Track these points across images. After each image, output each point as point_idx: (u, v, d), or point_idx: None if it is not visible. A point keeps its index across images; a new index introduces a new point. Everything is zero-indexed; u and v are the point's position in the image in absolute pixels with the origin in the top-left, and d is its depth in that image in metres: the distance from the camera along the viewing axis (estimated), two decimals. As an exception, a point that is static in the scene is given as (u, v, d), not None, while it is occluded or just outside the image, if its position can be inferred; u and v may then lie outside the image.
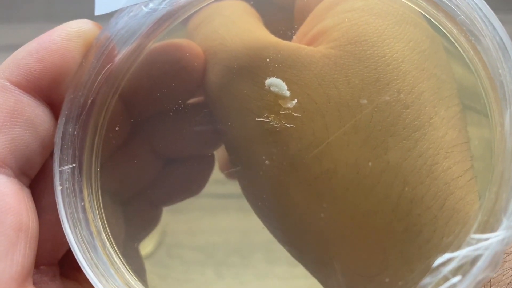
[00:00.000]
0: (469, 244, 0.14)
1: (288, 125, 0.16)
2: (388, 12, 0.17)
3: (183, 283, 0.24)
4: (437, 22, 0.17)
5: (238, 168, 0.19)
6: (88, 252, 0.17)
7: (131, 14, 0.18)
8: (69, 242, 0.17)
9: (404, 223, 0.16)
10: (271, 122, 0.17)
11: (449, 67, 0.17)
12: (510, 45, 0.15)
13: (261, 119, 0.17)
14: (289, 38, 0.18)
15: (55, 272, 0.19)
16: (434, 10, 0.17)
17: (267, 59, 0.17)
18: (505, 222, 0.14)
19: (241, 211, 0.26)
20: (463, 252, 0.14)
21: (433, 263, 0.15)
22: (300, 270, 0.26)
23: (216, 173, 0.23)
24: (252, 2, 0.19)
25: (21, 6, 0.61)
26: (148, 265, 0.23)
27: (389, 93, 0.16)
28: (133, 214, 0.21)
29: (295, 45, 0.17)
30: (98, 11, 0.19)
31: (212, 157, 0.21)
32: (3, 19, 0.60)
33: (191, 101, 0.19)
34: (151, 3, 0.18)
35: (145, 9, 0.18)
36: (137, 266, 0.19)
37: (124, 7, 0.18)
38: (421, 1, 0.17)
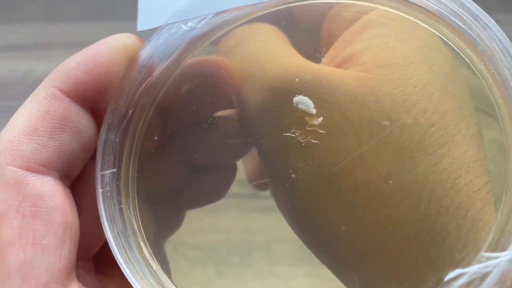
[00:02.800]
0: (480, 262, 0.15)
1: (313, 141, 0.18)
2: (412, 38, 0.18)
3: (188, 278, 0.24)
4: (458, 49, 0.18)
5: (265, 180, 0.20)
6: (125, 250, 0.19)
7: (172, 31, 0.19)
8: (108, 241, 0.18)
9: (431, 231, 0.17)
10: (297, 137, 0.18)
11: (467, 89, 0.18)
12: None
13: (288, 134, 0.18)
14: (318, 61, 0.20)
15: (91, 267, 0.20)
16: (456, 38, 0.18)
17: (303, 81, 0.18)
18: None
19: (242, 211, 0.26)
20: (474, 269, 0.15)
21: (459, 267, 0.16)
22: (300, 269, 0.26)
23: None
24: (282, 25, 0.20)
25: (21, 6, 0.61)
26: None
27: (416, 112, 0.17)
28: (161, 216, 0.22)
29: (328, 68, 0.19)
30: (140, 27, 0.20)
31: (234, 166, 0.22)
32: (3, 19, 0.60)
33: (220, 113, 0.21)
34: (190, 22, 0.19)
35: (184, 27, 0.19)
36: (165, 266, 0.21)
37: (164, 25, 0.19)
38: (444, 29, 0.18)
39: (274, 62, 0.19)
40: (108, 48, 0.19)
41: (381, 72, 0.18)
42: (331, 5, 0.20)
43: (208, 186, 0.22)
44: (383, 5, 0.19)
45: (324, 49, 0.20)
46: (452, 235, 0.17)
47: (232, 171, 0.22)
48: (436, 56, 0.18)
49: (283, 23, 0.20)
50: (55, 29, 0.58)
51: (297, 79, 0.18)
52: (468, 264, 0.16)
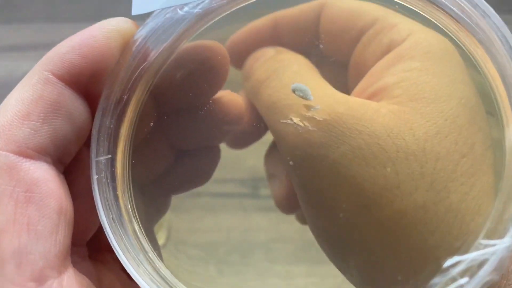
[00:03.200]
0: (477, 249, 0.16)
1: (311, 128, 0.18)
2: (442, 72, 0.19)
3: (192, 275, 0.24)
4: (457, 39, 0.19)
5: (297, 209, 0.21)
6: (121, 237, 0.18)
7: (167, 15, 0.19)
8: (104, 228, 0.18)
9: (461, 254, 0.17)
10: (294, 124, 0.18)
11: (487, 120, 0.19)
12: None
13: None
14: (345, 91, 0.20)
15: (85, 253, 0.20)
16: (454, 27, 0.19)
17: (340, 113, 0.18)
18: (511, 230, 0.16)
19: (242, 210, 0.26)
20: (471, 256, 0.16)
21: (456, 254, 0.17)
22: (300, 268, 0.26)
23: (217, 173, 0.23)
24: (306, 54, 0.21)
25: (21, 6, 0.61)
26: (164, 254, 0.24)
27: (448, 144, 0.18)
28: (150, 202, 0.22)
29: (361, 100, 0.19)
30: (135, 11, 0.19)
31: (217, 148, 0.22)
32: (3, 19, 0.60)
33: (213, 98, 0.21)
34: (186, 6, 0.19)
35: (180, 12, 0.19)
36: (158, 252, 0.21)
37: (160, 9, 0.19)
38: (444, 18, 0.19)
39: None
40: (103, 32, 0.19)
41: (414, 105, 0.18)
42: (361, 31, 0.20)
43: (192, 170, 0.23)
44: (420, 20, 0.19)
45: (356, 79, 0.20)
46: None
47: (216, 154, 0.22)
48: (465, 89, 0.19)
49: (313, 33, 0.20)
50: (56, 29, 0.58)
51: (340, 113, 0.18)
52: (465, 251, 0.16)
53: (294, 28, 0.21)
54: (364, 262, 0.19)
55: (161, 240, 0.31)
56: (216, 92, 0.21)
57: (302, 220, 0.22)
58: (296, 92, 0.18)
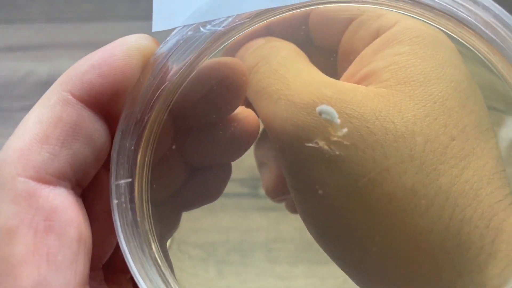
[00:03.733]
0: None
1: (338, 153, 0.18)
2: (431, 56, 0.19)
3: (192, 277, 0.24)
4: (486, 59, 0.19)
5: (287, 196, 0.21)
6: (142, 265, 0.18)
7: (189, 33, 0.19)
8: (124, 256, 0.18)
9: (455, 240, 0.17)
10: (321, 148, 0.18)
11: (484, 105, 0.19)
12: None
13: (311, 144, 0.18)
14: (335, 77, 0.20)
15: (101, 277, 0.20)
16: (484, 47, 0.19)
17: (327, 96, 0.18)
18: None
19: (242, 210, 0.26)
20: None
21: (485, 277, 0.17)
22: (300, 269, 0.26)
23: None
24: (303, 28, 0.21)
25: (22, 6, 0.61)
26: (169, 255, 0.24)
27: (437, 127, 0.18)
28: (162, 218, 0.21)
29: (350, 84, 0.19)
30: (155, 28, 0.19)
31: (229, 166, 0.22)
32: (4, 19, 0.60)
33: (230, 115, 0.21)
34: (208, 24, 0.19)
35: (203, 30, 0.19)
36: (172, 273, 0.20)
37: (181, 26, 0.19)
38: (472, 38, 0.19)
39: (297, 79, 0.19)
40: (123, 51, 0.18)
41: (402, 88, 0.18)
42: (350, 17, 0.20)
43: (204, 187, 0.22)
44: (408, 11, 0.19)
45: (345, 65, 0.20)
46: (476, 244, 0.17)
47: (227, 171, 0.22)
48: (455, 72, 0.19)
49: (303, 27, 0.20)
50: (56, 29, 0.58)
51: (328, 96, 0.18)
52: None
53: (285, 25, 0.21)
54: (353, 247, 0.19)
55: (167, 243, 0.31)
56: (234, 109, 0.21)
57: (292, 208, 0.22)
58: (322, 115, 0.18)
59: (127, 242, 0.18)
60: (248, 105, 0.21)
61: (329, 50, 0.21)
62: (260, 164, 0.22)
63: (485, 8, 0.18)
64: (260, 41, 0.21)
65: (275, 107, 0.19)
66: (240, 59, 0.21)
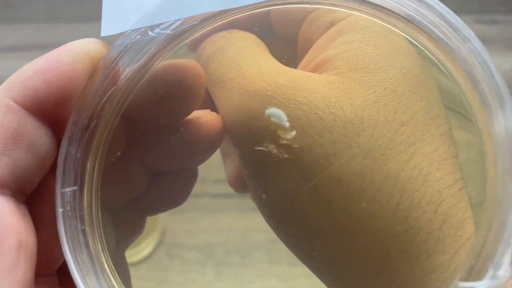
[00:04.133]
0: None
1: (286, 156, 0.18)
2: (383, 44, 0.19)
3: (181, 286, 0.24)
4: (437, 61, 0.19)
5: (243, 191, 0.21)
6: (87, 275, 0.18)
7: (138, 37, 0.19)
8: (68, 265, 0.17)
9: (403, 225, 0.17)
10: (269, 151, 0.18)
11: (437, 92, 0.19)
12: (507, 94, 0.16)
13: (260, 148, 0.18)
14: (295, 66, 0.20)
15: (54, 282, 0.19)
16: (435, 49, 0.19)
17: (279, 84, 0.19)
18: (490, 272, 0.15)
19: (241, 211, 0.26)
20: None
21: (433, 263, 0.17)
22: (299, 269, 0.26)
23: (216, 173, 0.23)
24: (259, 34, 0.21)
25: (21, 6, 0.61)
26: (143, 271, 0.23)
27: (387, 113, 0.18)
28: (121, 224, 0.21)
29: (303, 72, 0.19)
30: (104, 33, 0.19)
31: (195, 171, 0.22)
32: (3, 19, 0.60)
33: (187, 118, 0.21)
34: (157, 27, 0.19)
35: (151, 33, 0.19)
36: (126, 278, 0.20)
37: (130, 30, 0.18)
38: (422, 38, 0.19)
39: (252, 67, 0.19)
40: (70, 56, 0.18)
41: (353, 75, 0.18)
42: (307, 11, 0.20)
43: (169, 191, 0.22)
44: (359, 11, 0.20)
45: (303, 55, 0.20)
46: (424, 229, 0.17)
47: (193, 175, 0.22)
48: (406, 60, 0.19)
49: (256, 29, 0.21)
50: (56, 29, 0.58)
51: (281, 84, 0.19)
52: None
53: (248, 21, 0.21)
54: (305, 231, 0.19)
55: (146, 251, 0.30)
56: (191, 112, 0.20)
57: (240, 191, 0.22)
58: (271, 118, 0.18)
59: (72, 251, 0.17)
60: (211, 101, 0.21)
61: (290, 40, 0.21)
62: (224, 155, 0.22)
63: (430, 7, 0.18)
64: (221, 33, 0.21)
65: (229, 95, 0.19)
66: (202, 50, 0.21)
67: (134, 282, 0.21)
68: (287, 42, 0.21)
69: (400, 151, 0.18)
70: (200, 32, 0.20)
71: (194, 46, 0.21)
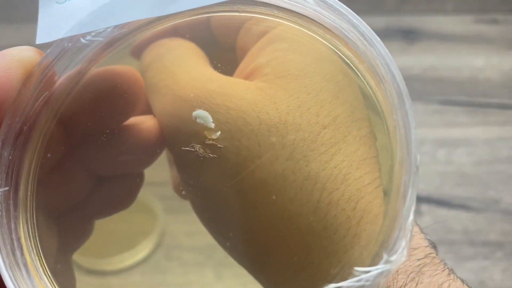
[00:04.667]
0: (353, 276, 0.16)
1: (211, 155, 0.19)
2: (308, 51, 0.20)
3: (184, 282, 0.24)
4: (351, 63, 0.20)
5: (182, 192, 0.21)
6: (18, 274, 0.18)
7: (70, 44, 0.19)
8: None
9: (323, 222, 0.18)
10: (195, 151, 0.19)
11: (360, 96, 0.20)
12: (406, 93, 0.18)
13: (187, 148, 0.19)
14: (231, 74, 0.21)
15: None
16: (349, 52, 0.20)
17: (210, 90, 0.20)
18: (385, 257, 0.16)
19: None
20: (347, 283, 0.16)
21: (350, 257, 0.18)
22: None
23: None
24: (199, 42, 0.22)
25: (21, 6, 0.61)
26: (137, 276, 0.23)
27: (309, 116, 0.19)
28: (66, 229, 0.22)
29: (234, 79, 0.21)
30: (39, 40, 0.19)
31: (141, 174, 0.22)
32: (3, 19, 0.60)
33: (126, 123, 0.21)
34: (88, 35, 0.20)
35: (83, 41, 0.20)
36: (67, 283, 0.20)
37: (64, 38, 0.19)
38: (338, 43, 0.20)
39: (185, 74, 0.20)
40: (2, 63, 0.18)
41: (279, 82, 0.19)
42: (243, 20, 0.21)
43: (115, 195, 0.23)
44: (288, 20, 0.21)
45: (240, 62, 0.21)
46: (342, 226, 0.18)
47: (139, 179, 0.22)
48: (330, 67, 0.20)
49: (187, 36, 0.21)
50: (55, 29, 0.58)
51: (211, 90, 0.19)
52: (341, 279, 0.17)
53: (191, 28, 0.21)
54: (234, 232, 0.20)
55: (144, 252, 0.31)
56: (129, 117, 0.21)
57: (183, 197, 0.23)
58: (197, 120, 0.19)
59: (3, 253, 0.18)
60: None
61: (230, 48, 0.22)
62: (169, 162, 0.22)
63: (341, 14, 0.19)
64: (162, 41, 0.21)
65: (163, 101, 0.20)
66: (143, 58, 0.21)
67: (133, 283, 0.21)
68: (227, 49, 0.22)
69: (321, 152, 0.18)
70: (142, 38, 0.21)
71: (136, 52, 0.21)
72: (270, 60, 0.20)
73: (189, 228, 0.25)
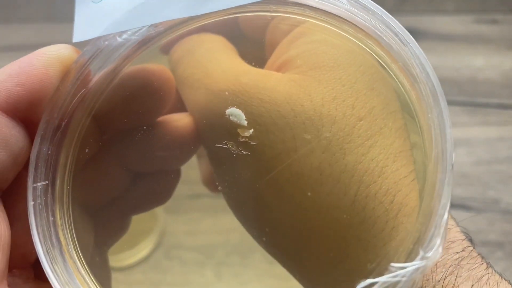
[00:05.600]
0: (390, 272, 0.16)
1: (244, 152, 0.19)
2: (340, 44, 0.20)
3: (180, 287, 0.24)
4: (384, 63, 0.20)
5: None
6: (56, 263, 0.18)
7: (106, 42, 0.20)
8: (38, 255, 0.18)
9: (361, 216, 0.18)
10: (229, 148, 0.19)
11: (392, 89, 0.20)
12: (441, 91, 0.18)
13: (220, 145, 0.19)
14: (261, 67, 0.21)
15: (29, 275, 0.20)
16: (381, 52, 0.20)
17: (243, 83, 0.19)
18: (421, 253, 0.16)
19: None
20: (383, 278, 0.16)
21: (387, 251, 0.18)
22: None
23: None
24: (228, 37, 0.22)
25: (21, 6, 0.61)
26: (139, 274, 0.23)
27: (345, 108, 0.19)
28: (102, 223, 0.22)
29: (266, 72, 0.20)
30: (76, 38, 0.20)
31: (177, 171, 0.23)
32: (3, 19, 0.60)
33: (160, 119, 0.21)
34: (124, 34, 0.20)
35: (119, 39, 0.20)
36: (103, 276, 0.21)
37: (100, 36, 0.20)
38: (370, 43, 0.20)
39: (217, 68, 0.20)
40: (42, 60, 0.19)
41: (313, 73, 0.19)
42: (270, 17, 0.21)
43: (151, 191, 0.23)
44: (319, 20, 0.21)
45: (269, 56, 0.21)
46: (381, 219, 0.18)
47: (175, 175, 0.22)
48: (363, 59, 0.20)
49: (226, 32, 0.21)
50: (56, 29, 0.58)
51: (244, 83, 0.19)
52: (378, 275, 0.17)
53: (218, 25, 0.21)
54: (270, 227, 0.20)
55: (144, 251, 0.31)
56: (160, 114, 0.21)
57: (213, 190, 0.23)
58: (231, 117, 0.19)
59: (42, 241, 0.18)
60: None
61: (258, 42, 0.22)
62: (198, 156, 0.23)
63: (374, 13, 0.19)
64: (192, 36, 0.21)
65: (196, 95, 0.20)
66: (173, 53, 0.22)
67: (133, 283, 0.21)
68: (256, 44, 0.22)
69: (357, 145, 0.18)
70: (172, 36, 0.21)
71: (166, 49, 0.21)
72: (302, 52, 0.20)
73: (189, 228, 0.25)
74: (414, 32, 0.61)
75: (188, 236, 0.26)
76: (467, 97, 0.55)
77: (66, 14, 0.59)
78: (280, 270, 0.24)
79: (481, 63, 0.58)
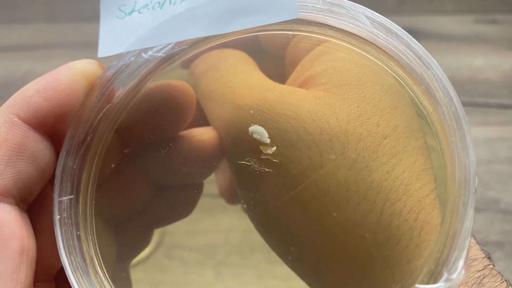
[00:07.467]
0: None
1: (267, 169, 0.19)
2: (365, 62, 0.20)
3: (180, 287, 0.24)
4: (406, 85, 0.20)
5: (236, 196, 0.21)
6: (81, 277, 0.19)
7: (132, 58, 0.20)
8: (64, 268, 0.18)
9: (386, 232, 0.18)
10: (251, 165, 0.19)
11: (413, 108, 0.20)
12: (464, 116, 0.18)
13: (243, 162, 0.19)
14: (282, 83, 0.21)
15: (52, 287, 0.20)
16: (404, 74, 0.20)
17: (268, 99, 0.20)
18: (445, 275, 0.16)
19: (241, 211, 0.26)
20: None
21: (411, 270, 0.18)
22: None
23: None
24: (249, 52, 0.22)
25: (22, 6, 0.61)
26: (140, 273, 0.23)
27: (370, 126, 0.19)
28: (125, 237, 0.22)
29: (291, 88, 0.20)
30: (101, 54, 0.20)
31: (200, 184, 0.23)
32: (3, 19, 0.60)
33: (183, 133, 0.22)
34: (150, 50, 0.20)
35: (145, 56, 0.20)
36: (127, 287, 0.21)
37: (125, 52, 0.20)
38: (393, 64, 0.20)
39: (242, 83, 0.20)
40: (68, 75, 0.19)
41: (337, 91, 0.19)
42: (292, 36, 0.21)
43: (174, 204, 0.23)
44: (340, 40, 0.21)
45: (291, 72, 0.21)
46: (405, 236, 0.18)
47: (198, 189, 0.23)
48: (386, 78, 0.20)
49: (246, 48, 0.21)
50: (55, 29, 0.58)
51: (270, 99, 0.19)
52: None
53: (239, 42, 0.21)
54: (281, 238, 0.20)
55: (145, 252, 0.31)
56: (181, 129, 0.21)
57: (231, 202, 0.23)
58: (254, 135, 0.19)
59: (68, 255, 0.19)
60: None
61: (278, 58, 0.22)
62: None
63: (397, 36, 0.19)
64: (213, 51, 0.22)
65: (221, 110, 0.20)
66: (195, 67, 0.22)
67: (134, 282, 0.21)
68: (276, 60, 0.22)
69: (382, 163, 0.18)
70: (193, 52, 0.21)
71: (187, 64, 0.22)
72: (326, 69, 0.20)
73: (189, 228, 0.25)
74: (413, 32, 0.61)
75: (188, 236, 0.26)
76: (467, 97, 0.55)
77: (66, 14, 0.59)
78: (280, 270, 0.24)
79: (480, 63, 0.58)
